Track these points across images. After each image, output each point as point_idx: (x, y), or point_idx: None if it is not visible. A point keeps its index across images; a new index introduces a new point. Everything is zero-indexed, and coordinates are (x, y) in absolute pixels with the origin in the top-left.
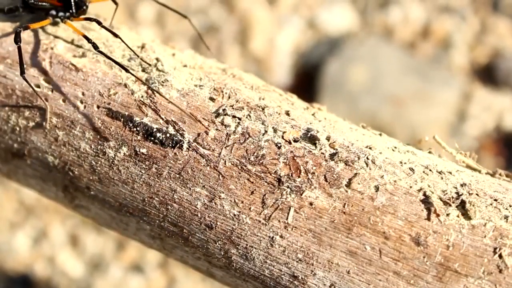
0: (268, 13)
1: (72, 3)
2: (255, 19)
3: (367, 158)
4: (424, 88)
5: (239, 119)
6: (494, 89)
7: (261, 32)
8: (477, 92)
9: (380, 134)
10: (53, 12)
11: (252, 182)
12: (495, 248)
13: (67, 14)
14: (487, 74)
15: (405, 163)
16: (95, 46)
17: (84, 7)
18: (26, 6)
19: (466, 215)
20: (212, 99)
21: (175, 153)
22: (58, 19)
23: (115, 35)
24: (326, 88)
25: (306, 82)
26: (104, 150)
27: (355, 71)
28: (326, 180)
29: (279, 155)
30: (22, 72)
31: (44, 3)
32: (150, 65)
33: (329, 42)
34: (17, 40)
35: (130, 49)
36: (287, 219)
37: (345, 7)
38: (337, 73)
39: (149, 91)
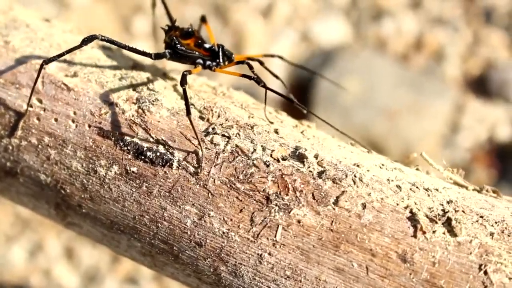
0: (262, 26)
1: (220, 55)
2: (249, 31)
3: (355, 176)
4: (417, 100)
5: (229, 137)
6: (486, 101)
7: (255, 44)
8: (470, 104)
9: (368, 151)
10: (200, 61)
11: (241, 200)
12: (480, 265)
13: (214, 63)
14: (480, 86)
15: (392, 180)
16: (259, 81)
17: (232, 58)
18: (174, 53)
19: (452, 232)
20: (202, 117)
21: (165, 172)
22: (207, 68)
23: (276, 77)
24: (320, 101)
25: (299, 95)
26: (95, 169)
27: (349, 84)
28: (314, 198)
29: (267, 173)
30: (188, 113)
31: (193, 52)
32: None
33: (322, 55)
34: (183, 83)
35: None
36: (275, 236)
37: (339, 20)
38: (331, 85)
39: (140, 110)
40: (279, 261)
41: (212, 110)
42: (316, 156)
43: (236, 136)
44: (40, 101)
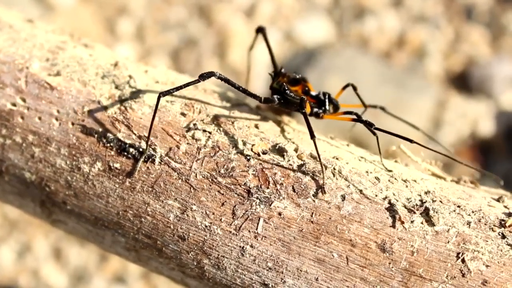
0: (245, 26)
1: (326, 102)
2: (233, 31)
3: (334, 169)
4: (400, 97)
5: (210, 133)
6: (468, 96)
7: (239, 44)
8: (452, 100)
9: (348, 145)
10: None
11: (223, 194)
12: (458, 253)
13: (321, 110)
14: (462, 82)
15: (371, 172)
16: (370, 124)
17: (339, 106)
18: (283, 98)
19: (430, 221)
20: (183, 114)
21: (147, 167)
22: (313, 116)
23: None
24: None
25: None
26: (79, 166)
27: (332, 82)
28: (294, 191)
29: (248, 167)
30: (312, 136)
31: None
32: None
33: (306, 53)
34: (303, 107)
35: None
36: (257, 229)
37: (321, 19)
38: (314, 83)
39: (122, 108)
40: (261, 253)
41: (193, 107)
42: (296, 150)
43: (217, 131)
44: (24, 100)
